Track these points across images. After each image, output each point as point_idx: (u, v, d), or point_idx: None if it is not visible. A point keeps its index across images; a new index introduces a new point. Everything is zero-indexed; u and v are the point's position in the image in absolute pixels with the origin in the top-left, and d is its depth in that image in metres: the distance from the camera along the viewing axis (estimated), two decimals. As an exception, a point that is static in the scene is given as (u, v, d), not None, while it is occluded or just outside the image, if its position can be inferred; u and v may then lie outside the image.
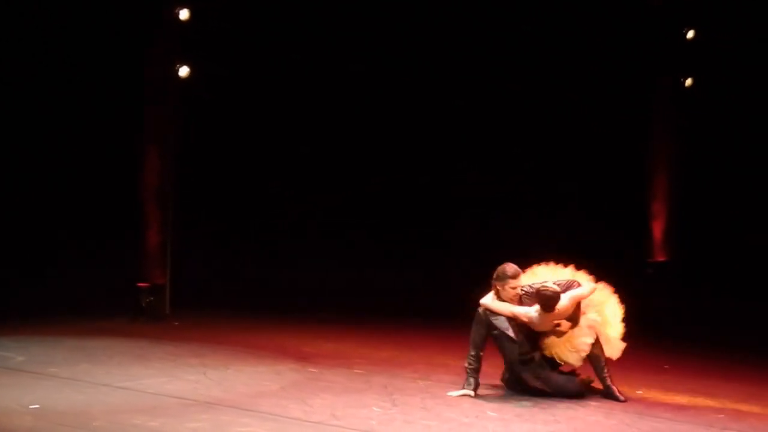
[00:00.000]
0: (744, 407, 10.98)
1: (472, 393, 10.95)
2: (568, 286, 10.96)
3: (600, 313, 11.14)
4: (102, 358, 12.39)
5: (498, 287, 11.01)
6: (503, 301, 11.00)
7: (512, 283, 10.95)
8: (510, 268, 11.01)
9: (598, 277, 11.29)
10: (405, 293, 18.38)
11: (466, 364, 11.08)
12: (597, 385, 11.17)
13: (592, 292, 11.05)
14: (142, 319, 15.50)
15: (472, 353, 11.07)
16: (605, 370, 11.05)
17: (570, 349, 10.98)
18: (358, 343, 14.07)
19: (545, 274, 11.29)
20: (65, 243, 17.15)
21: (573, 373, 11.25)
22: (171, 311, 15.92)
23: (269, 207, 19.57)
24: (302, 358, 12.78)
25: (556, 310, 10.80)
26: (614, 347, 11.14)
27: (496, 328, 11.00)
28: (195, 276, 16.82)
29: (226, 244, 18.71)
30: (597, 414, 10.40)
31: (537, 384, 11.07)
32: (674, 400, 11.15)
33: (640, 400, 11.02)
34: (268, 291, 17.80)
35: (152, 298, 15.80)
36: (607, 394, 10.98)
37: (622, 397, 10.92)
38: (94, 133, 17.35)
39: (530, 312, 10.88)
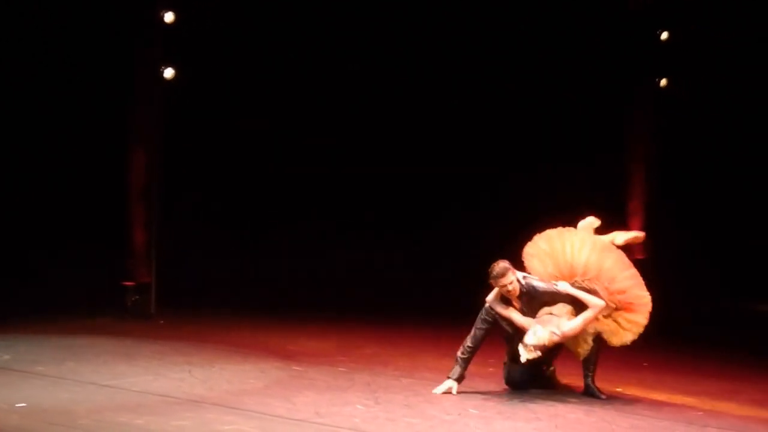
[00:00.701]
0: (722, 404, 11.11)
1: (455, 384, 11.07)
2: (572, 301, 11.14)
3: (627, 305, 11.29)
4: (88, 356, 12.40)
5: (493, 285, 11.16)
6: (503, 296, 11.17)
7: (501, 281, 11.04)
8: (496, 267, 11.07)
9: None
10: (388, 291, 18.46)
11: (459, 353, 11.19)
12: (578, 382, 11.28)
13: (586, 323, 11.12)
14: (127, 318, 15.56)
15: (469, 344, 11.20)
16: (591, 369, 11.17)
17: (575, 347, 11.15)
18: (341, 341, 14.16)
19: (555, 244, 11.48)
20: (51, 242, 17.15)
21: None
22: (156, 310, 15.98)
23: (255, 206, 19.59)
24: (286, 356, 12.85)
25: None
26: (622, 338, 11.27)
27: (501, 326, 11.19)
28: (181, 275, 16.86)
29: (211, 243, 18.73)
30: (577, 411, 10.48)
31: (525, 378, 11.25)
32: (653, 397, 11.26)
33: (619, 398, 11.14)
34: (253, 289, 17.86)
35: (138, 297, 15.87)
36: (588, 392, 11.10)
37: (602, 395, 11.04)
38: (80, 132, 17.36)
39: (528, 327, 11.01)
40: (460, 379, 11.13)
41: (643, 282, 11.37)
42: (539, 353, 10.80)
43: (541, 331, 10.81)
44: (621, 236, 11.93)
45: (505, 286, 11.04)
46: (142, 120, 16.04)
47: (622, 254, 11.51)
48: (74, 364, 11.88)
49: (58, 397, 10.33)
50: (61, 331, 14.14)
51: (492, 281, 11.11)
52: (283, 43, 19.07)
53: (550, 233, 11.59)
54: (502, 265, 11.09)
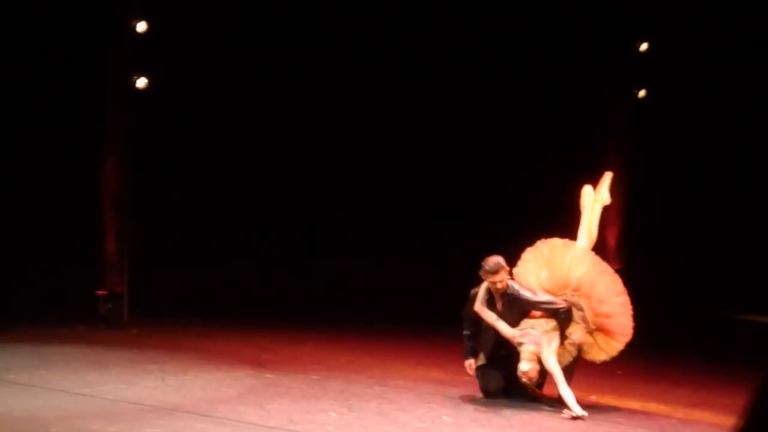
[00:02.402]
0: (695, 412, 11.12)
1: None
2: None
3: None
4: (60, 364, 12.37)
5: (483, 278, 11.18)
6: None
7: (491, 278, 11.07)
8: (491, 261, 11.09)
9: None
10: (361, 299, 18.45)
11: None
12: (553, 390, 11.27)
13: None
14: (100, 327, 15.50)
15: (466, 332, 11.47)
16: (567, 378, 11.15)
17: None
18: (314, 349, 14.15)
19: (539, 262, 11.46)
20: (23, 250, 17.06)
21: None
22: (130, 318, 15.93)
23: (227, 214, 19.54)
24: (259, 364, 12.83)
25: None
26: (596, 356, 11.28)
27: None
28: (154, 283, 16.79)
29: (184, 251, 18.66)
30: (551, 419, 10.47)
31: (500, 387, 11.25)
32: (627, 405, 11.26)
33: (593, 406, 11.10)
34: (226, 298, 17.82)
35: (111, 306, 15.81)
36: (562, 400, 11.07)
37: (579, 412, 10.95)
38: (52, 140, 17.29)
39: (512, 337, 11.03)
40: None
41: (631, 311, 11.31)
42: (536, 374, 10.84)
43: (526, 365, 10.84)
44: (600, 196, 11.90)
45: (495, 282, 11.05)
46: (115, 128, 15.99)
47: (617, 278, 11.49)
48: (46, 372, 11.83)
49: (30, 405, 10.28)
50: (33, 339, 14.09)
51: (483, 274, 11.11)
52: (270, 45, 19.07)
53: (555, 242, 11.55)
54: (496, 260, 11.11)
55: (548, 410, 10.80)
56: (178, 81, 17.53)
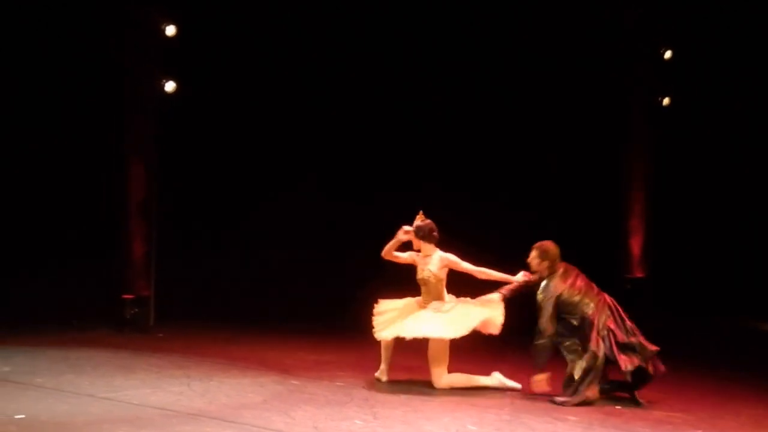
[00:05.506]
0: (723, 422, 11.05)
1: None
2: None
3: None
4: (86, 368, 12.43)
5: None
6: None
7: None
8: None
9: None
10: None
11: None
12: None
13: None
14: (126, 331, 15.54)
15: None
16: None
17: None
18: (340, 355, 14.16)
19: None
20: (49, 254, 17.14)
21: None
22: (155, 323, 15.97)
23: (253, 218, 19.55)
24: (285, 370, 12.84)
25: None
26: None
27: None
28: (179, 288, 16.81)
29: (210, 256, 18.67)
30: (576, 429, 10.43)
31: None
32: (652, 415, 11.19)
33: (618, 415, 11.08)
34: (251, 303, 17.81)
35: (137, 310, 15.85)
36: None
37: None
38: (78, 144, 17.37)
39: None
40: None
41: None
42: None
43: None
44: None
45: None
46: (139, 131, 16.03)
47: None
48: (72, 377, 11.90)
49: (56, 409, 10.34)
50: (60, 343, 14.18)
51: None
52: (285, 56, 19.10)
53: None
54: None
55: (573, 420, 10.76)
56: (203, 85, 17.59)
